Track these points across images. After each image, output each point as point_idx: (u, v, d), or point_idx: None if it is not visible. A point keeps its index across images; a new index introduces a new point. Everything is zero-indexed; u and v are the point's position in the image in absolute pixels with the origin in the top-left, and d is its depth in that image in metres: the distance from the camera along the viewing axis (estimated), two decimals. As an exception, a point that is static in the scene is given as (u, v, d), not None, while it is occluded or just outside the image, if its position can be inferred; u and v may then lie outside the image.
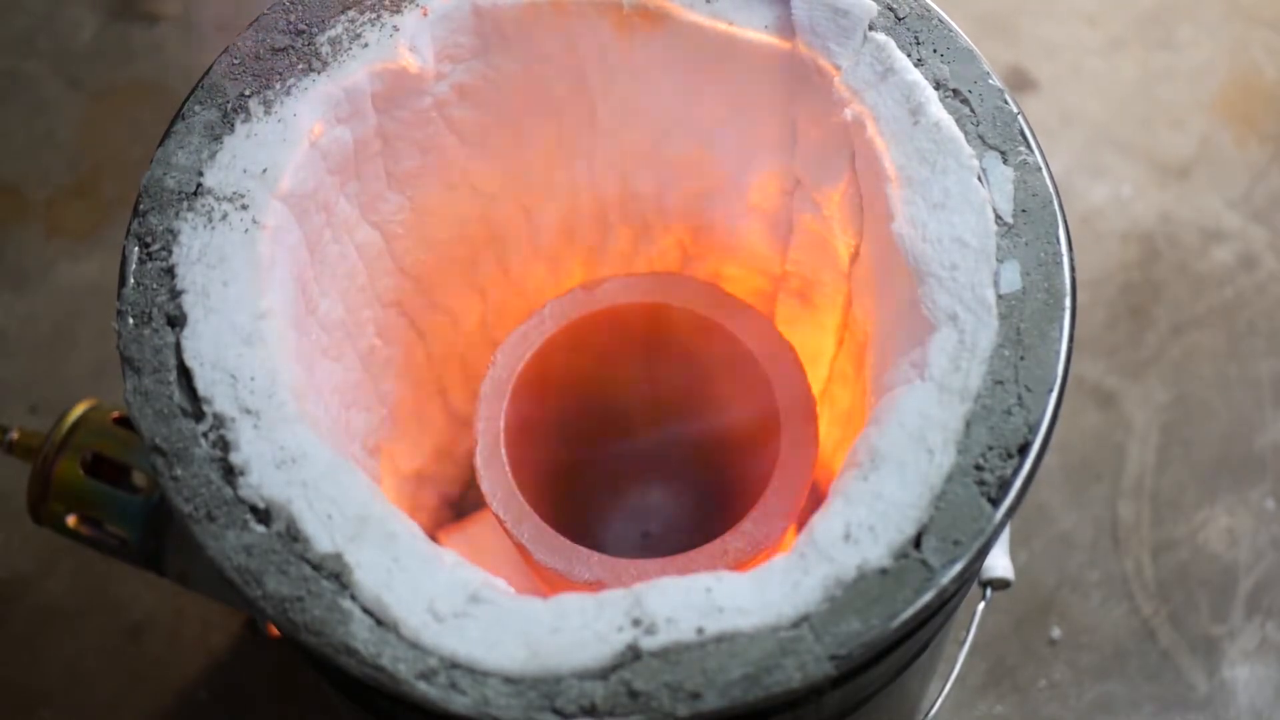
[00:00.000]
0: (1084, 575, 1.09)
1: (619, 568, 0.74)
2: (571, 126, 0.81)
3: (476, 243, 0.85)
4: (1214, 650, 1.06)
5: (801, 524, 0.68)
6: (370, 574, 0.56)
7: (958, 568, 0.56)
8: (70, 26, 1.40)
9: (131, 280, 0.63)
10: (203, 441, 0.59)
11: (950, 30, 0.69)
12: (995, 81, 0.67)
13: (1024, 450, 0.58)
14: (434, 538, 0.84)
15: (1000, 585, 0.81)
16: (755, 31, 0.71)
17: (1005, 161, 0.65)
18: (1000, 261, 0.62)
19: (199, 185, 0.65)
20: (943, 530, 0.57)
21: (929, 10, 0.69)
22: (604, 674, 0.54)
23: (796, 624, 0.55)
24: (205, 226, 0.64)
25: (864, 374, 0.75)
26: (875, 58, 0.68)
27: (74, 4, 1.41)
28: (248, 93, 0.68)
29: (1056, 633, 1.07)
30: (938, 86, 0.67)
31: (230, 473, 0.59)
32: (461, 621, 0.55)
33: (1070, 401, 1.14)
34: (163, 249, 0.64)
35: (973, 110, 0.66)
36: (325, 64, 0.69)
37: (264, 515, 0.58)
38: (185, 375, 0.61)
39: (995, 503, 0.57)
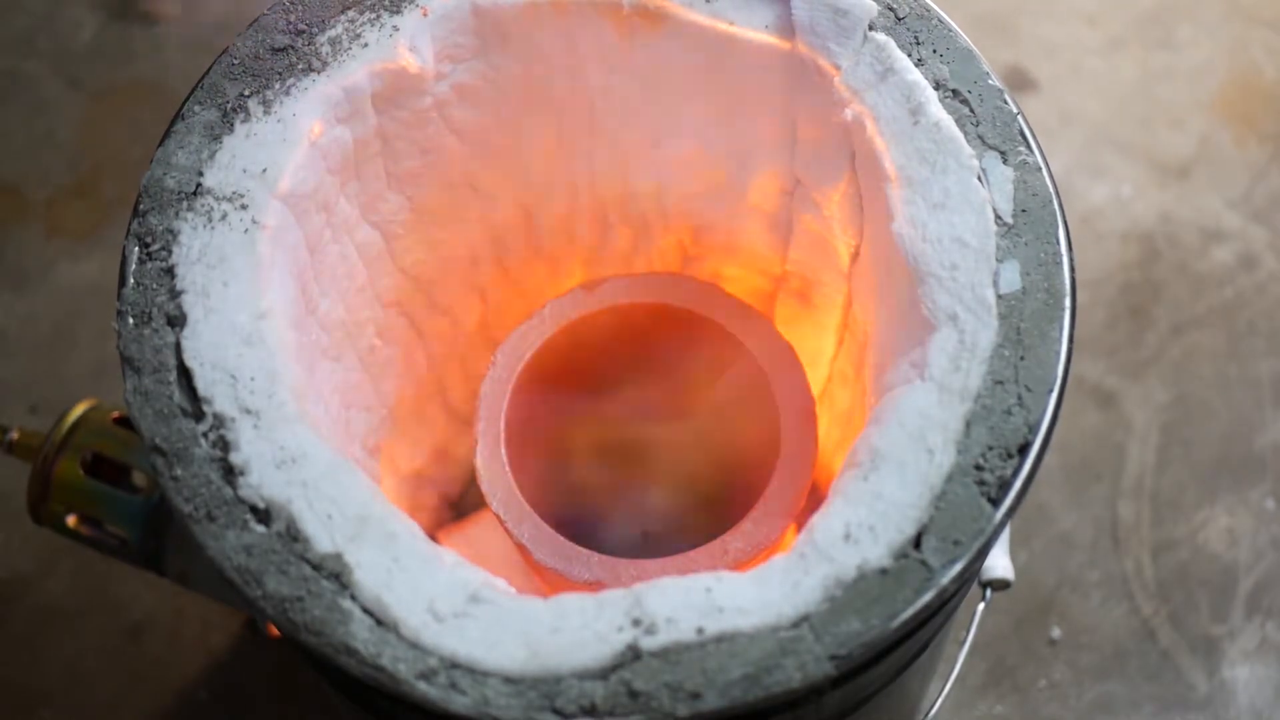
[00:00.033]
0: (1084, 575, 1.09)
1: (619, 568, 0.74)
2: (571, 126, 0.81)
3: (476, 243, 0.85)
4: (1214, 650, 1.06)
5: (801, 524, 0.68)
6: (370, 574, 0.56)
7: (958, 568, 0.56)
8: (70, 26, 1.40)
9: (131, 280, 0.63)
10: (203, 441, 0.59)
11: (950, 30, 0.69)
12: (995, 81, 0.67)
13: (1024, 450, 0.58)
14: (434, 538, 0.84)
15: (1000, 585, 0.81)
16: (755, 31, 0.71)
17: (1005, 161, 0.65)
18: (1000, 261, 0.62)
19: (199, 185, 0.65)
20: (943, 530, 0.57)
21: (929, 10, 0.69)
22: (604, 674, 0.54)
23: (796, 624, 0.55)
24: (205, 226, 0.64)
25: (864, 374, 0.75)
26: (875, 58, 0.68)
27: (74, 4, 1.41)
28: (248, 93, 0.68)
29: (1056, 633, 1.07)
30: (938, 86, 0.67)
31: (230, 473, 0.59)
32: (461, 621, 0.56)
33: (1070, 401, 1.14)
34: (163, 249, 0.64)
35: (972, 110, 0.66)
36: (325, 64, 0.69)
37: (264, 515, 0.58)
38: (185, 375, 0.61)
39: (995, 503, 0.57)
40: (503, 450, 0.78)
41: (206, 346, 0.61)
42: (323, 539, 0.57)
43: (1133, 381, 1.17)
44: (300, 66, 0.69)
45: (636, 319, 0.84)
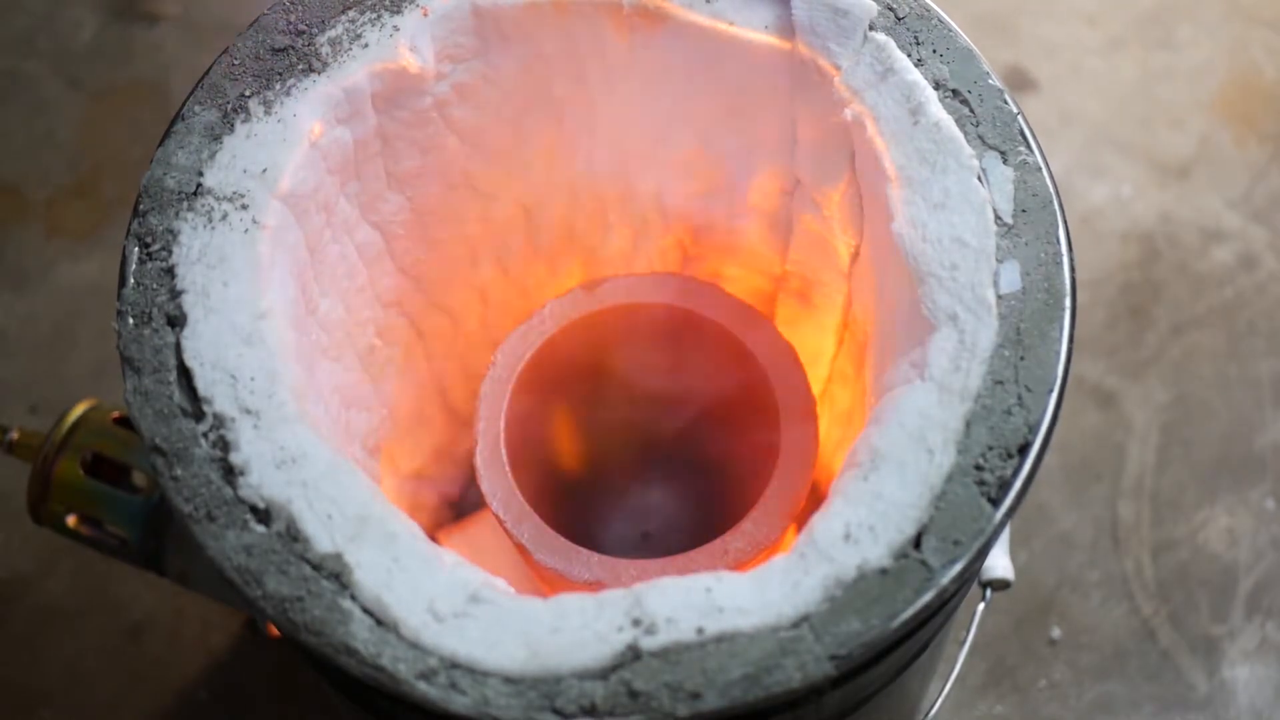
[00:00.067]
0: (1084, 575, 1.09)
1: (619, 568, 0.74)
2: (571, 126, 0.81)
3: (476, 243, 0.85)
4: (1214, 650, 1.06)
5: (801, 524, 0.68)
6: (370, 574, 0.56)
7: (958, 568, 0.56)
8: (70, 26, 1.40)
9: (131, 280, 0.63)
10: (203, 441, 0.59)
11: (950, 30, 0.69)
12: (995, 81, 0.67)
13: (1024, 450, 0.58)
14: (434, 538, 0.84)
15: (1000, 585, 0.81)
16: (755, 31, 0.71)
17: (1005, 161, 0.65)
18: (1000, 261, 0.62)
19: (199, 185, 0.65)
20: (943, 530, 0.57)
21: (929, 10, 0.69)
22: (604, 674, 0.54)
23: (796, 624, 0.55)
24: (205, 226, 0.64)
25: (864, 374, 0.75)
26: (875, 58, 0.68)
27: (74, 4, 1.41)
28: (248, 93, 0.68)
29: (1056, 633, 1.07)
30: (937, 86, 0.67)
31: (230, 473, 0.59)
32: (461, 621, 0.56)
33: (1070, 401, 1.14)
34: (163, 249, 0.64)
35: (972, 110, 0.66)
36: (325, 64, 0.69)
37: (264, 515, 0.58)
38: (185, 375, 0.61)
39: (995, 503, 0.57)
40: (503, 450, 0.78)
41: (206, 346, 0.61)
42: (323, 539, 0.57)
43: (1133, 381, 1.17)
44: (300, 67, 0.69)
45: (636, 319, 0.84)
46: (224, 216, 0.64)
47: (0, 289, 1.24)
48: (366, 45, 0.70)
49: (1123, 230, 1.25)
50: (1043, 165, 0.65)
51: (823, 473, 0.88)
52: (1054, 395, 0.59)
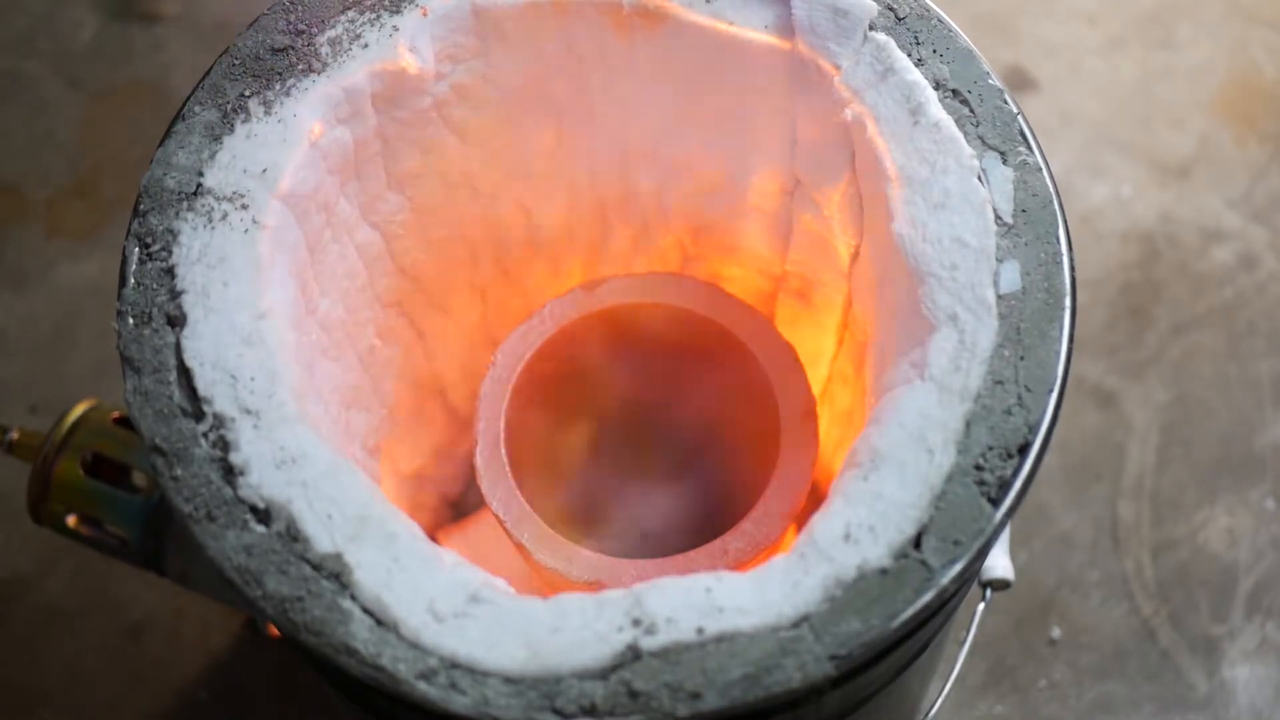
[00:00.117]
0: (1084, 575, 1.09)
1: (619, 568, 0.74)
2: (571, 126, 0.81)
3: (476, 243, 0.85)
4: (1214, 650, 1.06)
5: (801, 524, 0.68)
6: (370, 574, 0.56)
7: (958, 568, 0.56)
8: (70, 26, 1.40)
9: (131, 280, 0.63)
10: (203, 441, 0.59)
11: (950, 30, 0.69)
12: (995, 81, 0.67)
13: (1024, 450, 0.58)
14: (434, 538, 0.84)
15: (1000, 585, 0.81)
16: (755, 31, 0.71)
17: (1005, 161, 0.65)
18: (1000, 261, 0.62)
19: (199, 185, 0.65)
20: (943, 530, 0.57)
21: (929, 10, 0.69)
22: (604, 674, 0.54)
23: (796, 624, 0.55)
24: (205, 226, 0.64)
25: (864, 374, 0.75)
26: (875, 58, 0.68)
27: (74, 4, 1.41)
28: (248, 93, 0.68)
29: (1056, 633, 1.07)
30: (938, 86, 0.67)
31: (230, 473, 0.59)
32: (461, 621, 0.56)
33: (1070, 401, 1.14)
34: (163, 249, 0.64)
35: (972, 110, 0.66)
36: (325, 64, 0.69)
37: (264, 515, 0.58)
38: (185, 375, 0.61)
39: (995, 503, 0.57)
40: (503, 450, 0.78)
41: (206, 346, 0.61)
42: (323, 539, 0.57)
43: (1133, 381, 1.17)
44: (300, 67, 0.69)
45: (636, 319, 0.84)
46: (224, 216, 0.64)
47: (0, 289, 1.24)
48: (366, 45, 0.70)
49: (1123, 230, 1.25)
50: (1043, 165, 0.65)
51: (823, 473, 0.88)
52: (1054, 395, 0.59)
